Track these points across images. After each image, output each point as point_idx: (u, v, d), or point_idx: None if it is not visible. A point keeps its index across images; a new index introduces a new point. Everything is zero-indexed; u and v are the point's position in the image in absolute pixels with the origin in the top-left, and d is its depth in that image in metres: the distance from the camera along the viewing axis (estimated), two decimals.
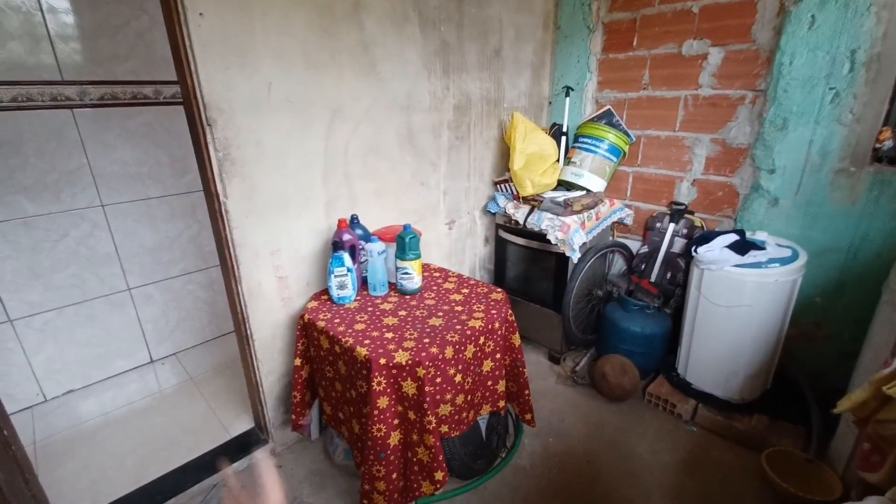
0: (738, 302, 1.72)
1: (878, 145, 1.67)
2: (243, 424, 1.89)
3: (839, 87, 1.66)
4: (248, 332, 1.60)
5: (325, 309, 1.58)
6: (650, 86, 2.17)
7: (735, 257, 1.70)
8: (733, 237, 1.77)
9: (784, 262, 1.67)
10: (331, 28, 1.54)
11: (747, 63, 1.85)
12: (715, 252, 1.73)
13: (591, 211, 2.14)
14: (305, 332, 1.57)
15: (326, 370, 1.52)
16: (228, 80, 1.35)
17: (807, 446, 1.68)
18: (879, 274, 1.58)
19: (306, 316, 1.54)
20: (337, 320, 1.50)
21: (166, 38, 1.33)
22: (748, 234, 1.82)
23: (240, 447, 1.77)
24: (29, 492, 1.24)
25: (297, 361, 1.59)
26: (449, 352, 1.36)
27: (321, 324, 1.48)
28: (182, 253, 2.33)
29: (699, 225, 2.11)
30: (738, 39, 1.85)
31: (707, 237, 1.81)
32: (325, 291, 1.67)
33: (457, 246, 2.32)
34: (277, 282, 1.62)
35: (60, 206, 1.95)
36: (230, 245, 1.48)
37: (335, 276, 1.57)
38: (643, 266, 2.27)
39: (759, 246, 1.74)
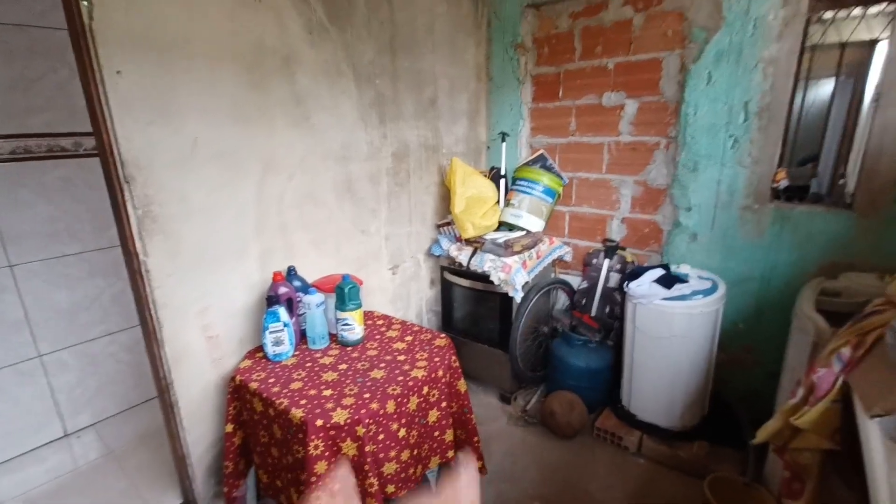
0: (670, 333, 1.81)
1: (774, 185, 1.86)
2: (170, 501, 1.71)
3: (737, 133, 1.85)
4: (173, 399, 1.48)
5: (259, 368, 1.50)
6: (577, 132, 2.32)
7: (663, 291, 1.80)
8: (660, 272, 1.87)
9: (706, 293, 1.79)
10: (260, 83, 1.54)
11: (659, 113, 2.03)
12: (644, 287, 1.82)
13: (532, 250, 2.21)
14: (237, 395, 1.48)
15: (261, 435, 1.43)
16: (150, 136, 1.30)
17: (744, 470, 1.75)
18: (790, 300, 1.71)
19: (238, 377, 1.45)
20: (272, 380, 1.43)
21: None
22: (673, 268, 1.94)
23: None
24: None
25: (229, 427, 1.48)
26: (391, 406, 1.32)
27: (254, 385, 1.40)
28: (104, 313, 2.15)
29: (631, 260, 2.22)
30: (649, 92, 2.04)
31: (637, 272, 1.91)
32: (261, 348, 1.59)
33: (401, 290, 2.30)
34: (206, 342, 1.53)
35: None
36: (151, 306, 1.38)
37: (270, 333, 1.51)
38: (584, 301, 2.34)
39: (682, 279, 1.85)
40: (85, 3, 1.14)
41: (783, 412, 0.98)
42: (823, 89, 2.16)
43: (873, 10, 1.68)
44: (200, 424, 1.57)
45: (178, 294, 1.43)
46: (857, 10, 1.71)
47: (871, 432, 0.68)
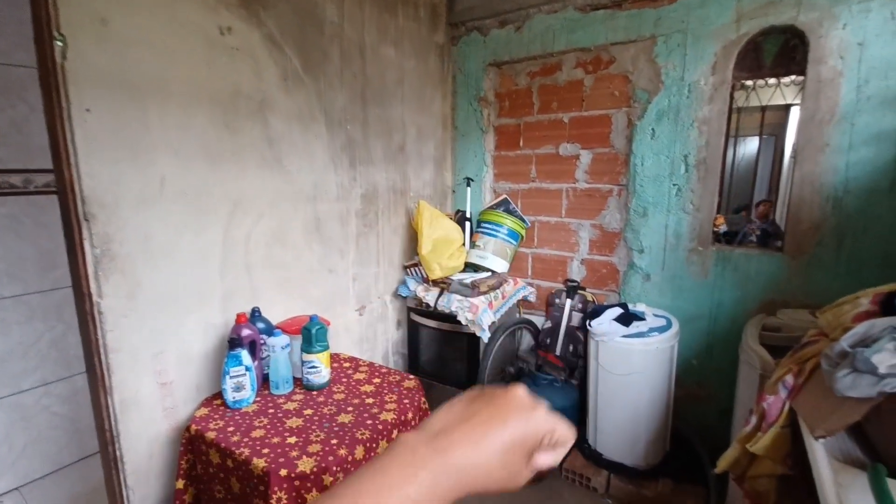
0: (630, 369, 1.87)
1: (715, 229, 2.03)
2: None
3: (680, 183, 2.03)
4: (118, 453, 1.36)
5: (217, 416, 1.42)
6: (538, 179, 2.47)
7: (622, 329, 1.88)
8: (618, 310, 1.97)
9: (661, 330, 1.89)
10: (234, 125, 1.56)
11: (610, 163, 2.21)
12: (605, 325, 1.90)
13: (497, 291, 2.26)
14: (191, 447, 1.38)
15: (216, 490, 1.33)
16: (117, 174, 1.28)
17: None
18: (735, 336, 1.83)
19: (193, 427, 1.36)
20: (231, 428, 1.35)
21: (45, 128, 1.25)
22: (630, 307, 2.04)
23: None
24: None
25: (180, 483, 1.37)
26: (359, 452, 1.28)
27: (211, 434, 1.32)
28: (40, 360, 1.98)
29: (591, 300, 2.32)
30: (601, 144, 2.22)
31: (597, 311, 2.00)
32: (220, 395, 1.51)
33: (368, 332, 2.27)
34: (159, 389, 1.44)
35: None
36: (101, 351, 1.30)
37: (230, 378, 1.44)
38: (548, 340, 2.40)
39: (640, 317, 1.95)
40: (59, 42, 1.14)
41: (739, 440, 1.04)
42: (751, 146, 2.45)
43: (786, 80, 1.96)
44: (147, 482, 1.44)
45: (133, 337, 1.36)
46: (773, 80, 1.98)
47: (818, 453, 0.74)
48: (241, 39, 1.54)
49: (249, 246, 1.67)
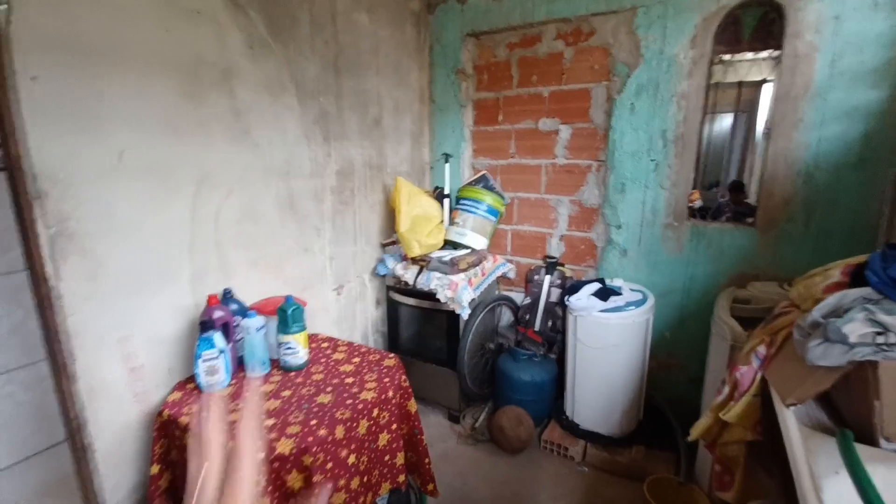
0: (607, 343, 1.91)
1: (691, 204, 2.06)
2: None
3: (658, 159, 2.04)
4: (87, 440, 1.31)
5: (191, 400, 1.38)
6: (517, 154, 2.44)
7: (600, 303, 1.91)
8: (597, 285, 1.99)
9: (637, 304, 1.92)
10: (197, 95, 1.47)
11: (590, 138, 2.20)
12: (583, 300, 1.93)
13: (477, 268, 2.26)
14: (165, 432, 1.34)
15: None
16: (69, 147, 1.19)
17: (678, 470, 1.87)
18: (707, 309, 1.89)
19: (166, 411, 1.32)
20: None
21: None
22: (608, 282, 2.07)
23: None
24: None
25: (154, 469, 1.34)
26: (340, 431, 1.27)
27: (185, 419, 1.28)
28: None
29: (569, 275, 2.34)
30: (580, 119, 2.20)
31: (576, 287, 2.02)
32: (193, 378, 1.46)
33: (346, 311, 2.24)
34: (129, 374, 1.38)
35: None
36: (62, 336, 1.23)
37: (203, 361, 1.39)
38: (527, 316, 2.42)
39: (617, 292, 1.98)
40: (2, 6, 1.03)
41: (712, 409, 1.07)
42: (723, 122, 2.47)
43: (763, 54, 1.96)
44: (120, 468, 1.40)
45: (97, 321, 1.29)
46: (750, 55, 1.99)
47: (789, 420, 0.76)
48: (201, 1, 1.43)
49: (219, 223, 1.59)
